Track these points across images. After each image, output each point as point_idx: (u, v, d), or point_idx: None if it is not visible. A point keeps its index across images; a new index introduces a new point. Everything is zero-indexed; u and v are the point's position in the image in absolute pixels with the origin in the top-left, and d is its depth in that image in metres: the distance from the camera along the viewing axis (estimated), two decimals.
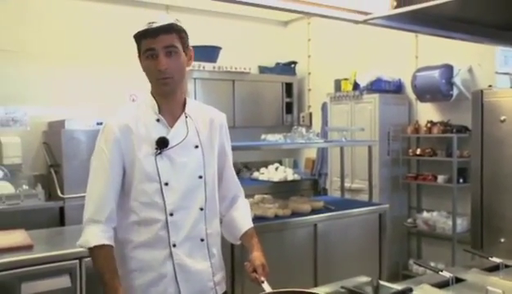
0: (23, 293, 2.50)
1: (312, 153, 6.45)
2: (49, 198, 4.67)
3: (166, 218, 1.74)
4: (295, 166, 6.67)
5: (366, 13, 2.22)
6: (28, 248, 2.70)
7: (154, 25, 1.71)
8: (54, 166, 4.65)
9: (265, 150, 5.97)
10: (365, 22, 2.25)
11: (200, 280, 1.80)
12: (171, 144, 1.76)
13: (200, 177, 1.81)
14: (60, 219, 4.49)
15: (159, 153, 1.74)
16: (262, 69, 6.56)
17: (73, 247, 2.72)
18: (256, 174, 6.11)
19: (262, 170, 6.16)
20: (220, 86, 5.90)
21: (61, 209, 4.50)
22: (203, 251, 1.82)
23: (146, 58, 1.74)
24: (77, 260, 2.67)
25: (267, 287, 1.70)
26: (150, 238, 1.75)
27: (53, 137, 4.80)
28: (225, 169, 1.97)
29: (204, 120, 1.88)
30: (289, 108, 6.67)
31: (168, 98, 1.81)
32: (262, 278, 1.74)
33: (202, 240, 1.81)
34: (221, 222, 1.98)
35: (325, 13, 2.19)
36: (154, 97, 1.82)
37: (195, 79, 5.58)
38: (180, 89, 1.84)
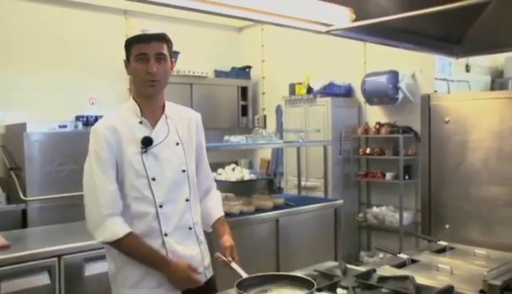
0: (3, 292, 2.56)
1: (266, 154, 6.70)
2: (9, 201, 4.65)
3: (156, 210, 1.89)
4: (250, 166, 6.89)
5: (327, 24, 2.45)
6: (5, 248, 2.76)
7: (149, 32, 1.88)
8: (14, 169, 4.64)
9: (222, 151, 6.14)
10: (327, 33, 2.48)
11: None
12: (154, 142, 1.91)
13: (183, 171, 1.97)
14: (23, 221, 4.49)
15: (145, 152, 1.89)
16: (218, 73, 6.76)
17: (51, 245, 2.81)
18: (213, 174, 6.26)
19: (220, 171, 6.33)
20: (178, 90, 6.05)
21: (23, 212, 4.51)
22: (192, 238, 1.99)
23: (137, 61, 1.88)
24: (55, 258, 2.75)
25: (237, 268, 1.87)
26: (144, 230, 1.89)
27: (13, 140, 4.77)
28: (201, 163, 2.15)
29: (182, 120, 2.05)
30: (244, 110, 6.93)
31: (150, 101, 1.97)
32: (230, 258, 1.93)
33: (190, 228, 1.98)
34: None
35: (290, 24, 2.36)
36: (137, 101, 1.98)
37: None
38: (161, 93, 2.01)
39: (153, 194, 1.89)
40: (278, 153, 6.29)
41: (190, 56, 6.18)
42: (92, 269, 2.89)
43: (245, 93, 6.92)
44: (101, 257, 2.89)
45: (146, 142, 1.90)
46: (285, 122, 6.03)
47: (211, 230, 2.16)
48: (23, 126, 4.59)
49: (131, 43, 1.90)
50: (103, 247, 2.87)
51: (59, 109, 5.35)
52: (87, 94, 5.69)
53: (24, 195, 4.51)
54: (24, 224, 4.49)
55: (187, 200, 1.98)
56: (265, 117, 6.91)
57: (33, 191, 4.54)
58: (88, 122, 5.59)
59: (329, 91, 5.56)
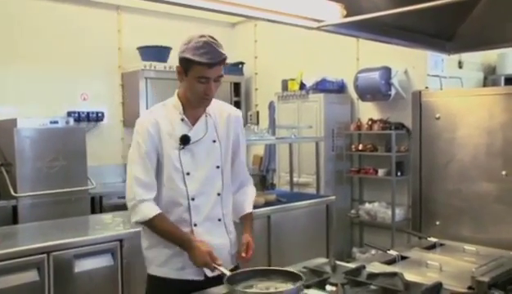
0: None
1: (259, 150, 6.70)
2: None
3: (188, 202, 2.04)
4: None
5: (319, 20, 2.45)
6: None
7: (213, 61, 1.92)
8: (5, 165, 4.61)
9: None
10: (318, 29, 2.47)
11: (220, 253, 2.03)
12: (192, 140, 2.04)
13: (218, 167, 2.10)
14: (13, 218, 4.46)
15: (183, 148, 2.03)
16: None
17: (40, 242, 2.81)
18: None
19: None
20: (171, 86, 5.90)
21: (14, 208, 4.48)
22: (221, 229, 2.12)
23: (198, 82, 1.96)
24: (45, 255, 2.73)
25: (221, 269, 1.92)
26: (175, 219, 2.04)
27: (3, 136, 4.72)
28: (237, 157, 2.22)
29: (222, 116, 2.15)
30: (237, 106, 6.79)
31: None
32: (220, 267, 1.96)
33: (219, 220, 2.11)
34: None
35: (282, 20, 2.36)
36: (181, 99, 2.06)
37: (146, 79, 5.66)
38: None
39: (186, 187, 2.03)
40: (271, 150, 6.29)
41: None
42: (82, 266, 2.88)
43: (238, 89, 6.90)
44: (91, 254, 2.92)
45: (184, 140, 2.03)
46: (278, 118, 6.03)
47: (239, 221, 2.26)
48: (13, 121, 4.56)
49: (193, 62, 1.93)
50: (93, 244, 2.92)
51: (50, 104, 5.33)
52: (78, 90, 5.66)
53: (15, 191, 4.48)
54: (14, 220, 4.46)
55: (219, 194, 2.10)
56: (258, 113, 6.87)
57: (23, 187, 4.51)
58: (80, 117, 5.57)
59: (321, 87, 5.56)
